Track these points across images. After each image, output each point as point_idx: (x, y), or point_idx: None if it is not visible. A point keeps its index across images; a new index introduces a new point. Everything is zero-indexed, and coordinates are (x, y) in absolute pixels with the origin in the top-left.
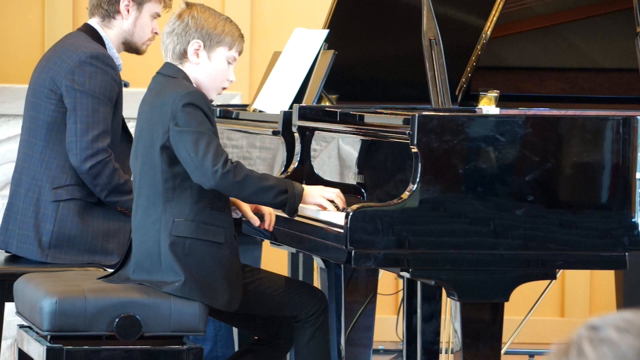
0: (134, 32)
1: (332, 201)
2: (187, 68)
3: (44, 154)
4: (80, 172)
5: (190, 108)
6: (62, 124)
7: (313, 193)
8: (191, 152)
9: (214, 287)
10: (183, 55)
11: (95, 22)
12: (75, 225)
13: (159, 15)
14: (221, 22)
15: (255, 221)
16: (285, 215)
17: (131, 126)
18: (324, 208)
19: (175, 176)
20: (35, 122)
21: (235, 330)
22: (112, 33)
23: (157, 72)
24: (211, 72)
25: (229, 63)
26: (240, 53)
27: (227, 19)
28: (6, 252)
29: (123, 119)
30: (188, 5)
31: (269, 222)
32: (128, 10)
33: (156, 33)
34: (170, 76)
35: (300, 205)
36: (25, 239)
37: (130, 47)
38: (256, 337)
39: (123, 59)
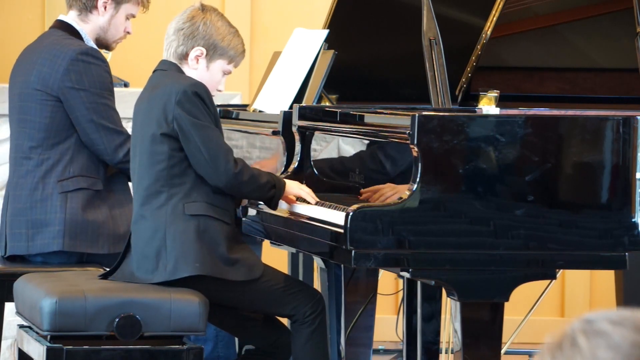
0: (108, 30)
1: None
2: (183, 69)
3: (43, 154)
4: (114, 164)
5: (196, 98)
6: (61, 122)
7: (293, 185)
8: (202, 147)
9: (229, 261)
10: (183, 57)
11: (70, 17)
12: (86, 213)
13: (134, 16)
14: (229, 35)
15: None
16: (285, 215)
17: (130, 126)
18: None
19: (181, 161)
20: (28, 125)
21: None
22: (87, 27)
23: (154, 70)
24: (205, 80)
25: (223, 74)
26: (236, 67)
27: (235, 33)
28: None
29: None
30: (203, 8)
31: None
32: (105, 7)
33: (128, 32)
34: (166, 70)
35: (303, 205)
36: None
37: (101, 44)
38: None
39: (122, 59)
